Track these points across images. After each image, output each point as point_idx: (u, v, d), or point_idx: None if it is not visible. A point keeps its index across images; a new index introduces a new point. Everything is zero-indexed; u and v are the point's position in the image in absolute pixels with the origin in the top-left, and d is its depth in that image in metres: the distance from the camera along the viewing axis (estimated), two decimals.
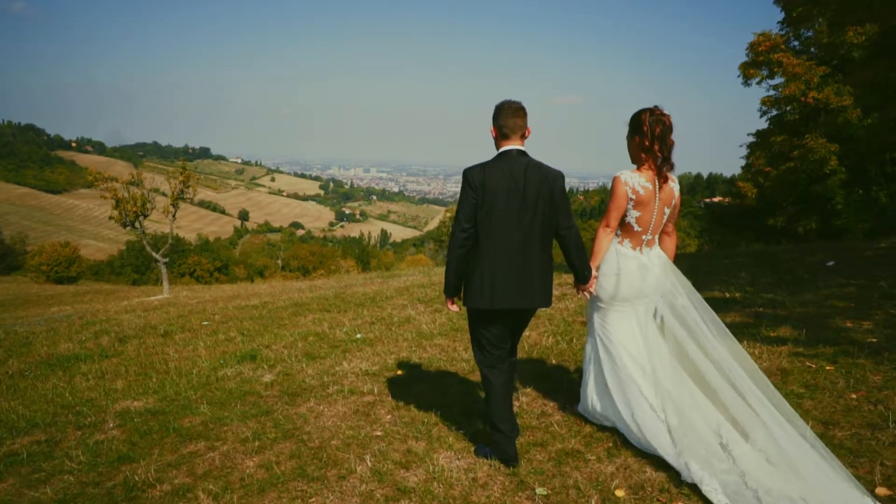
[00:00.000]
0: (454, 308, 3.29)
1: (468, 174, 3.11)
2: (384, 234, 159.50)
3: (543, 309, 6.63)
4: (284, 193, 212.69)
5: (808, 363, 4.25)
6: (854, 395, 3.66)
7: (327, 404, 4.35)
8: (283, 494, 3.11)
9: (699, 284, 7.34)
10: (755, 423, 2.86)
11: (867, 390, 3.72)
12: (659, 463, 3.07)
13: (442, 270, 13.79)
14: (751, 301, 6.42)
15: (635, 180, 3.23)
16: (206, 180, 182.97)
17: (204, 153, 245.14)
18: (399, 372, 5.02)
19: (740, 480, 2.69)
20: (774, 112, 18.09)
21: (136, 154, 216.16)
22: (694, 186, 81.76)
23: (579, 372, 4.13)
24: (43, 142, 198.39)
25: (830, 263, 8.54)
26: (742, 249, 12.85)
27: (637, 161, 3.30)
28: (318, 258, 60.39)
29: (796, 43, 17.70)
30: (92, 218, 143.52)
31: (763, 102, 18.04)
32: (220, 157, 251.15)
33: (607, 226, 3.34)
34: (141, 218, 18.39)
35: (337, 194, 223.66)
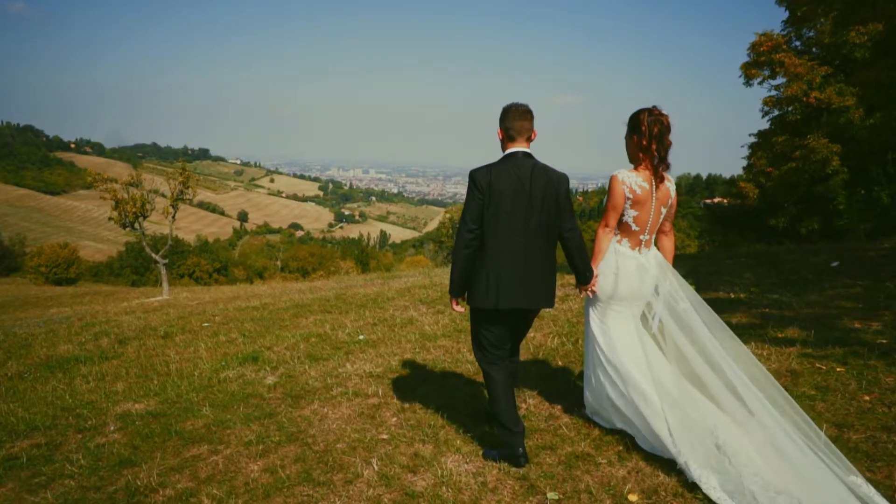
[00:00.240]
0: (459, 308, 3.32)
1: (475, 175, 3.16)
2: (383, 235, 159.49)
3: (547, 310, 6.63)
4: (283, 194, 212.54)
5: (818, 364, 4.20)
6: (867, 398, 3.61)
7: (331, 407, 4.29)
8: (288, 499, 3.05)
9: (703, 285, 7.40)
10: (753, 422, 2.87)
11: (880, 392, 3.67)
12: (672, 466, 3.02)
13: (442, 271, 13.79)
14: (756, 302, 6.38)
15: (632, 179, 3.26)
16: (206, 181, 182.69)
17: (203, 154, 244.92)
18: (403, 374, 4.96)
19: (738, 479, 2.70)
20: (776, 112, 18.05)
21: (136, 155, 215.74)
22: (693, 187, 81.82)
23: None
24: (42, 143, 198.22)
25: (835, 264, 8.49)
26: (744, 250, 12.79)
27: (634, 160, 3.32)
28: (317, 259, 60.30)
29: (798, 43, 17.66)
30: (91, 219, 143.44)
31: (765, 103, 17.99)
32: (219, 159, 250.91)
33: (606, 225, 3.37)
34: (140, 219, 18.33)
35: (336, 195, 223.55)
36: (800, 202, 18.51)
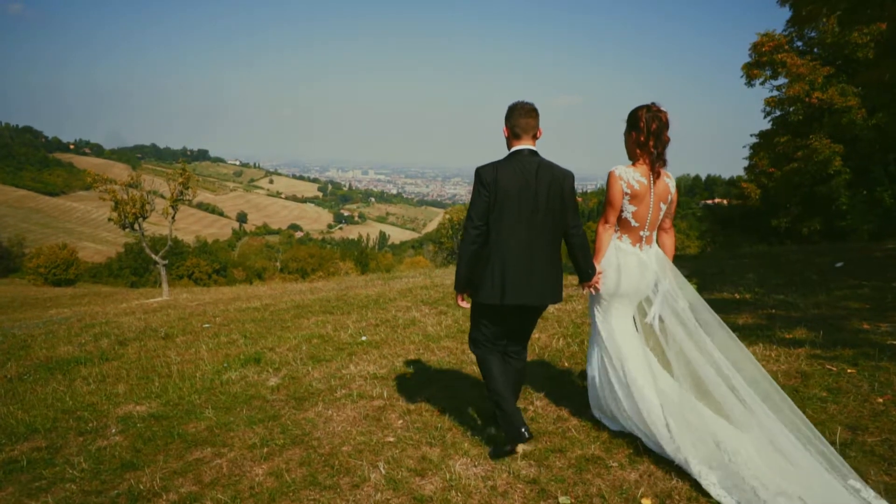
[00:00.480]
0: (464, 304, 3.35)
1: (481, 172, 3.20)
2: (382, 236, 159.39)
3: (551, 311, 6.58)
4: (283, 195, 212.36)
5: (828, 366, 4.15)
6: (880, 400, 3.56)
7: (336, 409, 4.24)
8: None
9: (707, 285, 7.35)
10: (752, 421, 2.87)
11: (893, 394, 3.61)
12: (685, 469, 2.96)
13: (442, 272, 13.73)
14: (762, 302, 6.33)
15: (629, 174, 3.27)
16: (205, 182, 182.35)
17: (202, 155, 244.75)
18: (408, 375, 4.90)
19: (738, 475, 2.71)
20: (778, 113, 18.00)
21: (135, 156, 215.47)
22: (692, 188, 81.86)
23: None
24: (41, 144, 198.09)
25: (839, 264, 8.45)
26: (746, 250, 12.75)
27: (632, 157, 3.34)
28: (316, 260, 60.15)
29: (800, 43, 17.62)
30: (90, 220, 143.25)
31: (767, 103, 17.94)
32: (218, 160, 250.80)
33: (606, 222, 3.38)
34: (140, 220, 18.26)
35: (335, 196, 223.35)
36: (802, 203, 18.47)
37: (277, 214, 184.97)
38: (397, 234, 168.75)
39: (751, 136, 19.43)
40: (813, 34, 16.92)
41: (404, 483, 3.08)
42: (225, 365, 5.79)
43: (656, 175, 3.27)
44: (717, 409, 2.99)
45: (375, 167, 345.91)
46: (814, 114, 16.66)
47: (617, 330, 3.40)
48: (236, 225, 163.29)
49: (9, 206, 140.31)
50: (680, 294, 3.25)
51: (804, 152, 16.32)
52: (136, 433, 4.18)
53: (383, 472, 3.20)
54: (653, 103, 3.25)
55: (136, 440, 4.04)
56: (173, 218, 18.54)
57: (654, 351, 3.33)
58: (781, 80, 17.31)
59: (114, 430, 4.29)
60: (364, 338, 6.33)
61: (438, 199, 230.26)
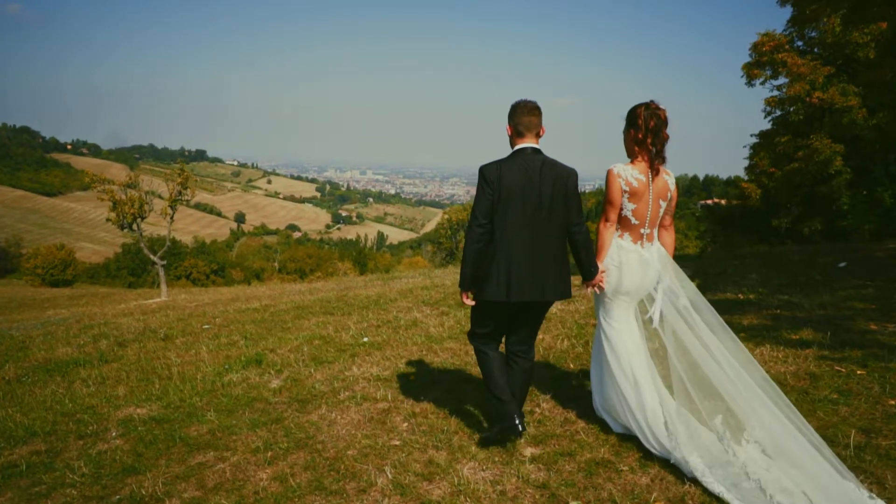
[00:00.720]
0: (470, 302, 3.34)
1: (485, 171, 3.20)
2: (381, 237, 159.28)
3: (554, 311, 6.53)
4: (281, 196, 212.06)
5: (837, 367, 4.10)
6: (892, 402, 3.51)
7: (340, 411, 4.18)
8: None
9: (710, 285, 7.31)
10: (753, 417, 2.86)
11: None
12: (683, 469, 2.92)
13: (442, 272, 13.67)
14: (766, 303, 6.29)
15: (628, 172, 3.27)
16: (203, 183, 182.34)
17: (200, 155, 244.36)
18: (411, 377, 4.85)
19: (740, 472, 2.70)
20: (778, 112, 17.99)
21: (132, 157, 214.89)
22: (690, 188, 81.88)
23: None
24: (38, 144, 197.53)
25: (843, 265, 8.41)
26: (748, 250, 12.72)
27: (631, 154, 3.34)
28: (315, 260, 60.13)
29: (800, 43, 17.60)
30: (87, 220, 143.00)
31: (767, 103, 17.93)
32: (216, 160, 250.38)
33: (607, 220, 3.38)
34: (138, 220, 18.19)
35: (333, 196, 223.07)
36: (802, 203, 18.46)
37: (275, 215, 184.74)
38: (395, 235, 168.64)
39: (751, 136, 19.45)
40: (813, 34, 16.89)
41: (412, 488, 3.02)
42: (226, 367, 5.73)
43: (655, 172, 3.27)
44: (718, 406, 2.97)
45: (374, 167, 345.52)
46: (814, 114, 16.64)
47: (620, 328, 3.39)
48: (234, 225, 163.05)
49: (6, 207, 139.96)
50: (681, 291, 3.25)
51: (805, 152, 16.30)
52: (136, 436, 4.12)
53: (390, 476, 3.14)
54: (651, 101, 3.26)
55: (137, 444, 3.99)
56: (172, 218, 18.46)
57: (656, 353, 3.32)
58: (782, 80, 17.32)
59: (114, 434, 4.23)
60: (366, 339, 6.28)
61: (437, 200, 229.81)
